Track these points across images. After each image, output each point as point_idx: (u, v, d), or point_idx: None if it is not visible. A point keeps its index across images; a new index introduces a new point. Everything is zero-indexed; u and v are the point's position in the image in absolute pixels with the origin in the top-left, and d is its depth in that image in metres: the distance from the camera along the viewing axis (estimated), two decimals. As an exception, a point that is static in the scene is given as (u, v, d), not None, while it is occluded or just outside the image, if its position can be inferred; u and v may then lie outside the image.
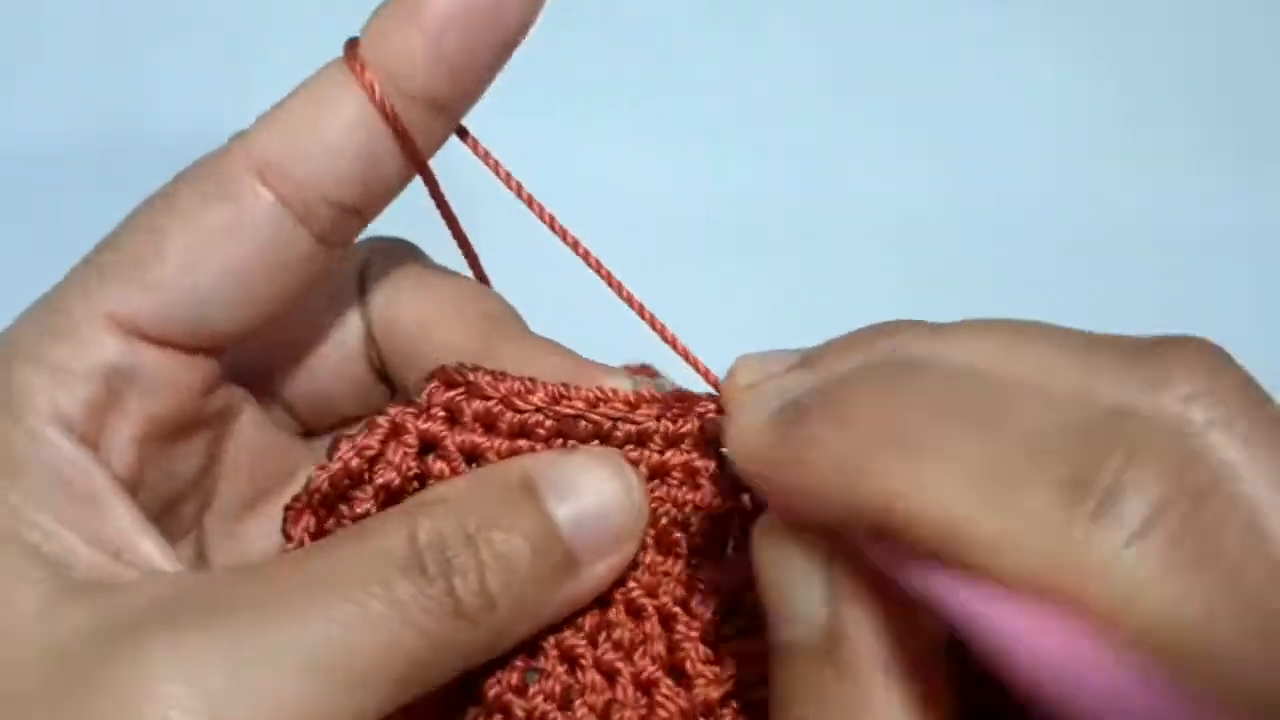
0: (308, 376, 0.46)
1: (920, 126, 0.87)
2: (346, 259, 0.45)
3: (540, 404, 0.40)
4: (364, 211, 0.40)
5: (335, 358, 0.45)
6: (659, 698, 0.40)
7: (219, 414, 0.43)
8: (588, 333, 0.45)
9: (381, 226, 0.43)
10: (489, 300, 0.45)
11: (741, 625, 0.40)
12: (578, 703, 0.40)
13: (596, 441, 0.40)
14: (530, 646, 0.40)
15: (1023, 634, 0.28)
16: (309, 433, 0.48)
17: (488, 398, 0.40)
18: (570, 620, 0.40)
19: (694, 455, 0.41)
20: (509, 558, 0.37)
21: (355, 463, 0.39)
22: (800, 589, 0.33)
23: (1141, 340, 0.31)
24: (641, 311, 0.42)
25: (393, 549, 0.36)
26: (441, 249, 0.46)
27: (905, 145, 0.87)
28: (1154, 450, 0.28)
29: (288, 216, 0.39)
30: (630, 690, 0.40)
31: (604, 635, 0.40)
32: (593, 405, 0.40)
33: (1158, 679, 0.27)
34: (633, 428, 0.40)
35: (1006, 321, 0.32)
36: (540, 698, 0.39)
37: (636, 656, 0.40)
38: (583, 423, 0.40)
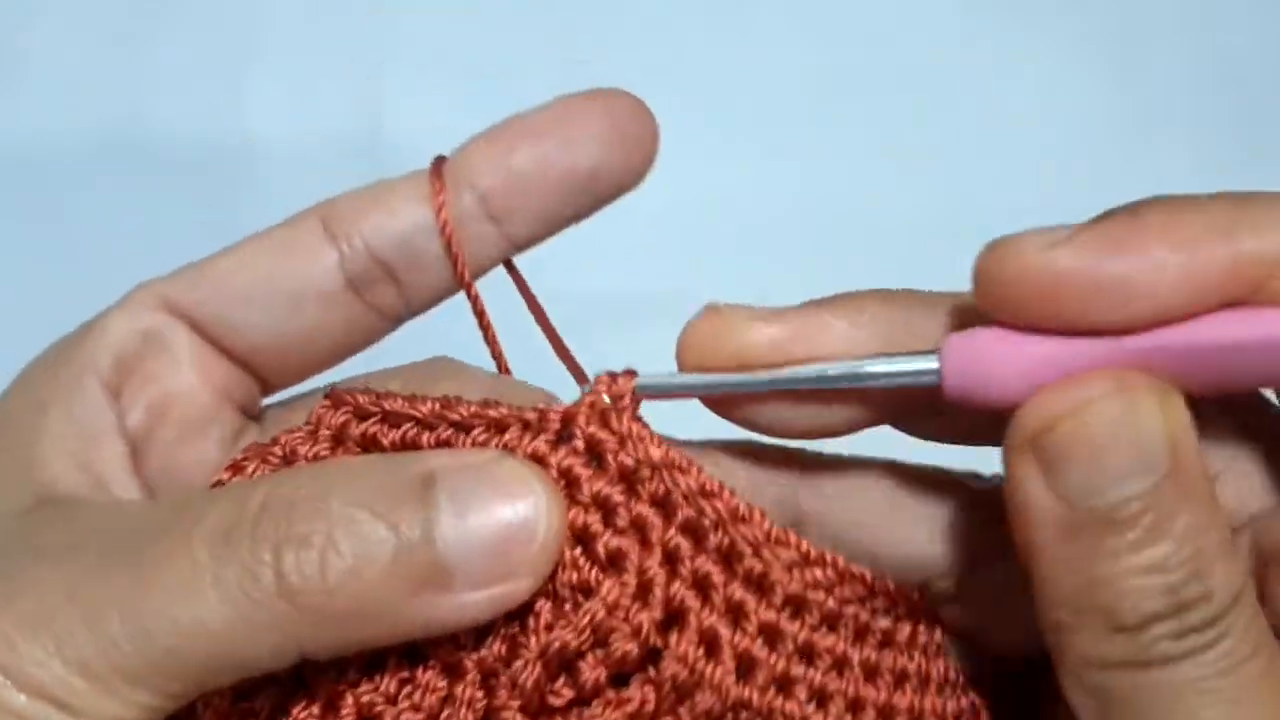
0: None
1: (921, 128, 0.87)
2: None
3: (425, 417, 0.38)
4: (401, 281, 0.41)
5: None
6: None
7: (232, 436, 0.43)
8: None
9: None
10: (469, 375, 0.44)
11: (572, 697, 0.36)
12: None
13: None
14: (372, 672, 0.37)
15: None
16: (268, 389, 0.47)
17: (368, 416, 0.38)
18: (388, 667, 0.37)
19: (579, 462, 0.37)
20: (368, 544, 0.34)
21: (228, 478, 0.39)
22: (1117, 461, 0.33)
23: None
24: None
25: (229, 511, 0.35)
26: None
27: (906, 146, 0.87)
28: None
29: (327, 246, 0.41)
30: None
31: (405, 693, 0.37)
32: (474, 417, 0.37)
33: None
34: (501, 440, 0.37)
35: None
36: None
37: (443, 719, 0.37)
38: (462, 437, 0.37)
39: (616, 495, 0.36)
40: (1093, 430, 0.33)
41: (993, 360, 0.35)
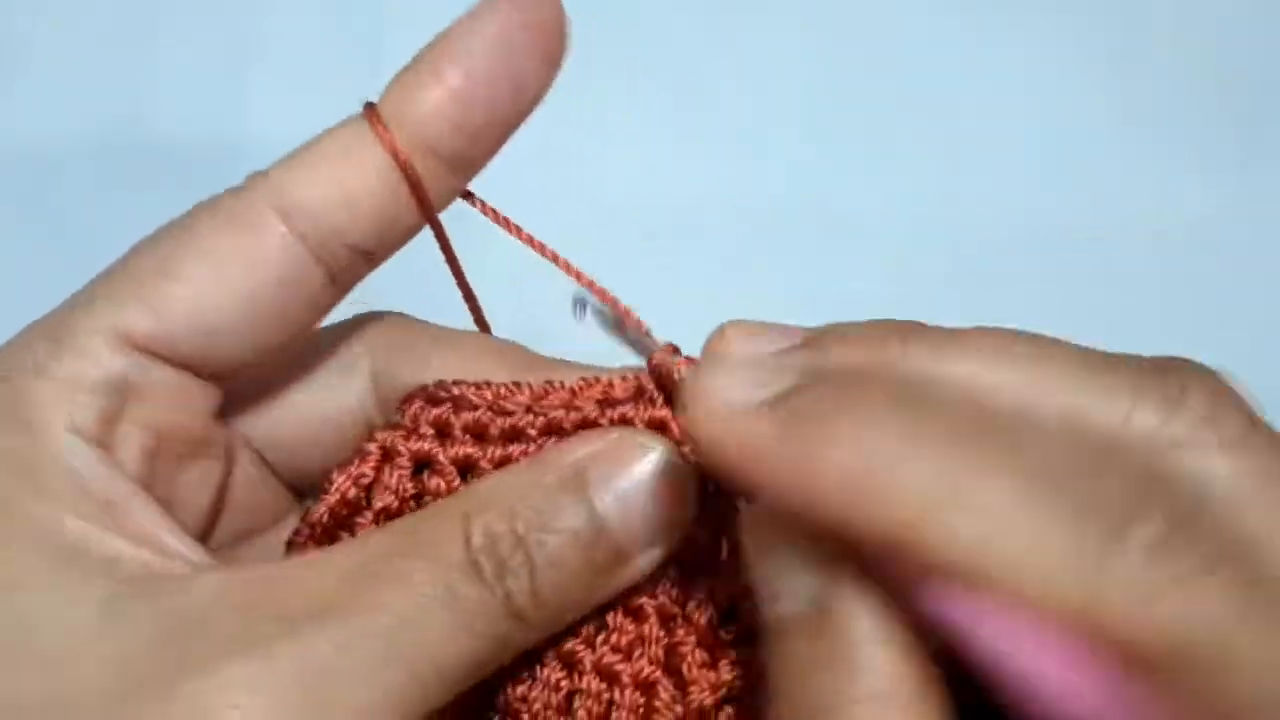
0: (308, 441, 0.45)
1: (923, 129, 0.87)
2: (346, 333, 0.45)
3: (528, 404, 0.40)
4: (376, 255, 0.41)
5: (336, 425, 0.45)
6: (657, 703, 0.39)
7: (226, 448, 0.43)
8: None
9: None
10: (504, 352, 0.44)
11: (738, 631, 0.40)
12: (578, 706, 0.39)
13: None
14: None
15: (1028, 650, 0.28)
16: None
17: (475, 407, 0.40)
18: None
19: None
20: (559, 558, 0.37)
21: (352, 491, 0.40)
22: (789, 574, 0.32)
23: (1147, 363, 0.32)
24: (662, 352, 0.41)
25: (449, 552, 0.36)
26: (443, 295, 0.47)
27: (906, 147, 0.87)
28: (1159, 476, 0.29)
29: (305, 253, 0.40)
30: (630, 693, 0.39)
31: (602, 638, 0.40)
32: (575, 395, 0.40)
33: (1152, 702, 0.28)
34: (616, 414, 0.40)
35: (1022, 338, 0.32)
36: (539, 705, 0.39)
37: (635, 658, 0.40)
38: (570, 416, 0.40)
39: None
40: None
41: None
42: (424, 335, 0.45)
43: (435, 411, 0.40)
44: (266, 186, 0.40)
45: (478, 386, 0.41)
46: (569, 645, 0.40)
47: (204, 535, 0.43)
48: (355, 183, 0.40)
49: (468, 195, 0.43)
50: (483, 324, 0.46)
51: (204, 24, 0.87)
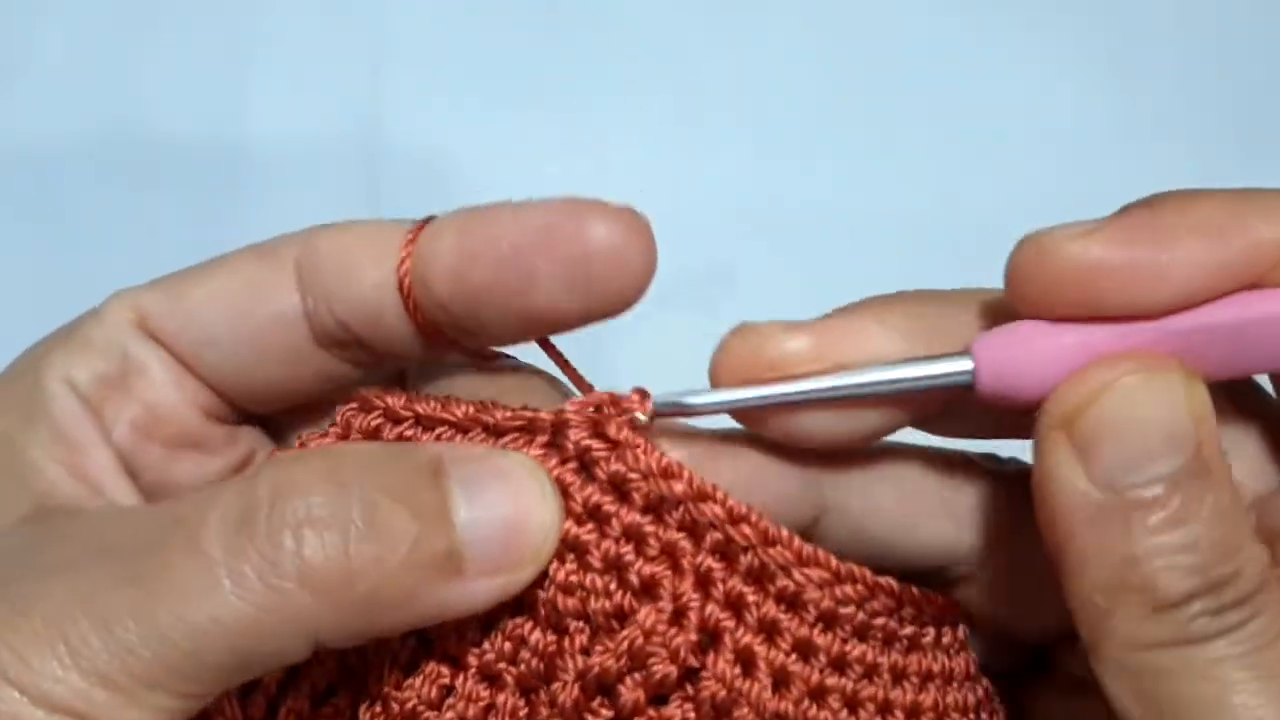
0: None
1: (918, 128, 0.87)
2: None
3: (457, 418, 0.38)
4: (366, 345, 0.41)
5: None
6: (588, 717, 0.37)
7: (236, 460, 0.44)
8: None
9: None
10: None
11: (611, 715, 0.37)
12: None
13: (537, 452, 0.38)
14: (451, 658, 0.38)
15: None
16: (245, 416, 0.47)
17: (402, 420, 0.39)
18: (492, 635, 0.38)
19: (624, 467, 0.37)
20: (388, 534, 0.34)
21: None
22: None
23: None
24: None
25: (241, 499, 0.34)
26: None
27: (902, 147, 0.87)
28: None
29: (296, 304, 0.41)
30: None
31: (449, 703, 0.38)
32: (509, 422, 0.38)
33: None
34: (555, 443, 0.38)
35: None
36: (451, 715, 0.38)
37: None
38: (501, 438, 0.38)
39: (646, 524, 0.37)
40: (1123, 412, 0.34)
41: (1029, 354, 0.36)
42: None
43: (364, 421, 0.39)
44: (300, 235, 0.41)
45: (409, 398, 0.39)
46: (410, 701, 0.38)
47: None
48: (368, 281, 0.40)
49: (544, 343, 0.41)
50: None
51: (204, 24, 0.87)
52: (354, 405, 0.40)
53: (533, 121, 0.84)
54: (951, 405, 0.39)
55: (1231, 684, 0.33)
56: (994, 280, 0.38)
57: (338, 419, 0.40)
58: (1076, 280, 0.35)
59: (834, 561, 0.38)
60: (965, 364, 0.36)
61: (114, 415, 0.41)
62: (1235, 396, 0.38)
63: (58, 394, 0.41)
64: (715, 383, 0.38)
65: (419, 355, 0.41)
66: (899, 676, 0.40)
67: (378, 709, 0.38)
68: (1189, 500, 0.33)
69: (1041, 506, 0.35)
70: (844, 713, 0.38)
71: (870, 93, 0.87)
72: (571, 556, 0.37)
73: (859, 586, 0.38)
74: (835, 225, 0.84)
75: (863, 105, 0.87)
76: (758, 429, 0.38)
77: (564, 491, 0.37)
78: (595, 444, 0.37)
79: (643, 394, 0.38)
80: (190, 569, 0.34)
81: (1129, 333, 0.35)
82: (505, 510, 0.36)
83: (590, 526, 0.37)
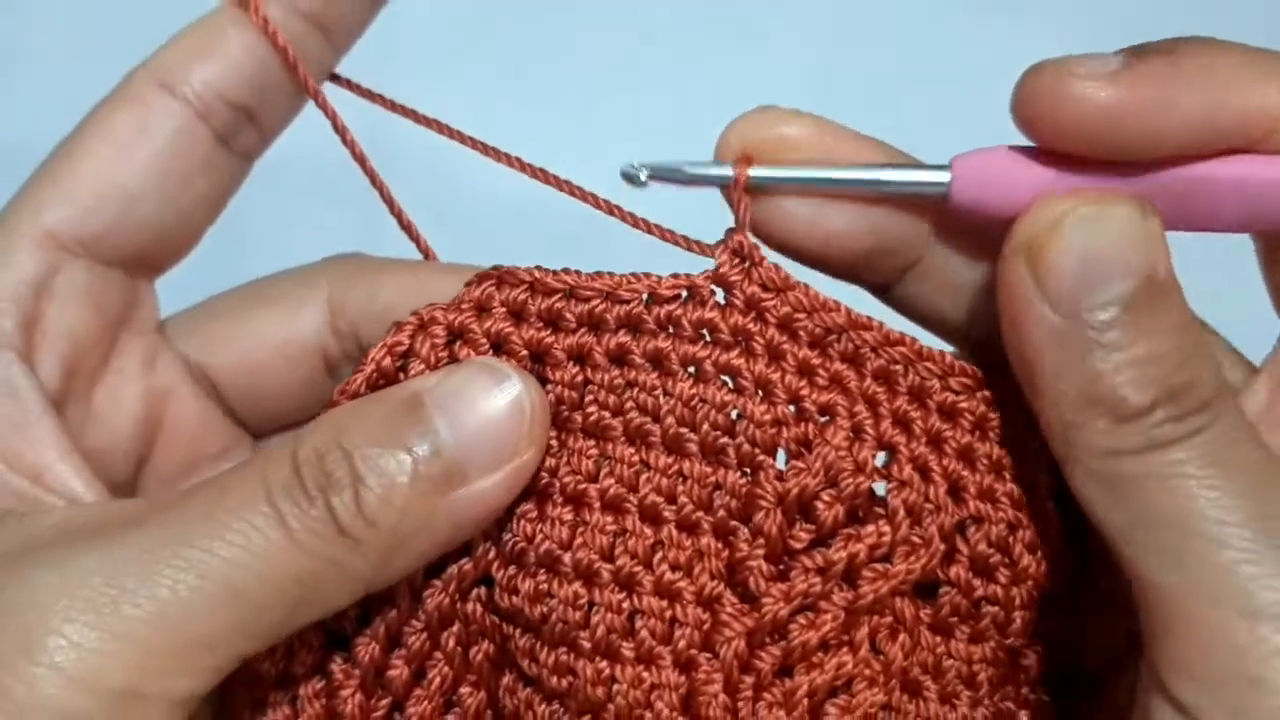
0: (264, 368, 0.46)
1: (921, 129, 0.87)
2: (306, 268, 0.46)
3: (571, 283, 0.40)
4: (259, 118, 0.43)
5: (289, 353, 0.46)
6: (724, 616, 0.39)
7: (152, 365, 0.44)
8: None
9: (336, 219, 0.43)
10: (455, 271, 0.45)
11: (812, 535, 0.40)
12: (640, 626, 0.39)
13: (624, 330, 0.40)
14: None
15: None
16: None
17: (518, 284, 0.40)
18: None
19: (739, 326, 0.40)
20: (388, 473, 0.37)
21: (387, 361, 0.40)
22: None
23: None
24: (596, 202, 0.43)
25: (275, 470, 0.37)
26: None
27: (905, 148, 0.86)
28: None
29: (188, 113, 0.42)
30: (692, 609, 0.39)
31: (659, 556, 0.40)
32: (617, 286, 0.40)
33: None
34: (661, 311, 0.40)
35: None
36: (602, 630, 0.39)
37: (695, 574, 0.40)
38: (615, 309, 0.40)
39: (814, 358, 0.40)
40: (1079, 241, 0.36)
41: (1003, 175, 0.38)
42: (376, 263, 0.46)
43: (480, 287, 0.40)
44: (145, 68, 0.43)
45: (536, 269, 0.41)
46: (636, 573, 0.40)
47: (138, 461, 0.44)
48: (232, 51, 0.42)
49: (335, 78, 0.44)
50: (423, 249, 0.47)
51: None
52: (491, 281, 0.40)
53: (533, 121, 0.84)
54: (919, 263, 0.41)
55: (1194, 486, 0.35)
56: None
57: (464, 295, 0.41)
58: (1080, 118, 0.36)
59: (976, 370, 0.41)
60: (944, 175, 0.39)
61: (42, 359, 0.41)
62: None
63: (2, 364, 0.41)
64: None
65: (295, 113, 0.44)
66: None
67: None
68: (1145, 318, 0.35)
69: (1009, 328, 0.37)
70: (1013, 512, 0.41)
71: (870, 93, 0.87)
72: (762, 394, 0.40)
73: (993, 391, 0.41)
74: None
75: (863, 105, 0.87)
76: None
77: (745, 339, 0.40)
78: (762, 293, 0.40)
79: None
80: (244, 531, 0.36)
81: (1108, 177, 0.37)
82: (487, 412, 0.38)
83: (769, 362, 0.40)
